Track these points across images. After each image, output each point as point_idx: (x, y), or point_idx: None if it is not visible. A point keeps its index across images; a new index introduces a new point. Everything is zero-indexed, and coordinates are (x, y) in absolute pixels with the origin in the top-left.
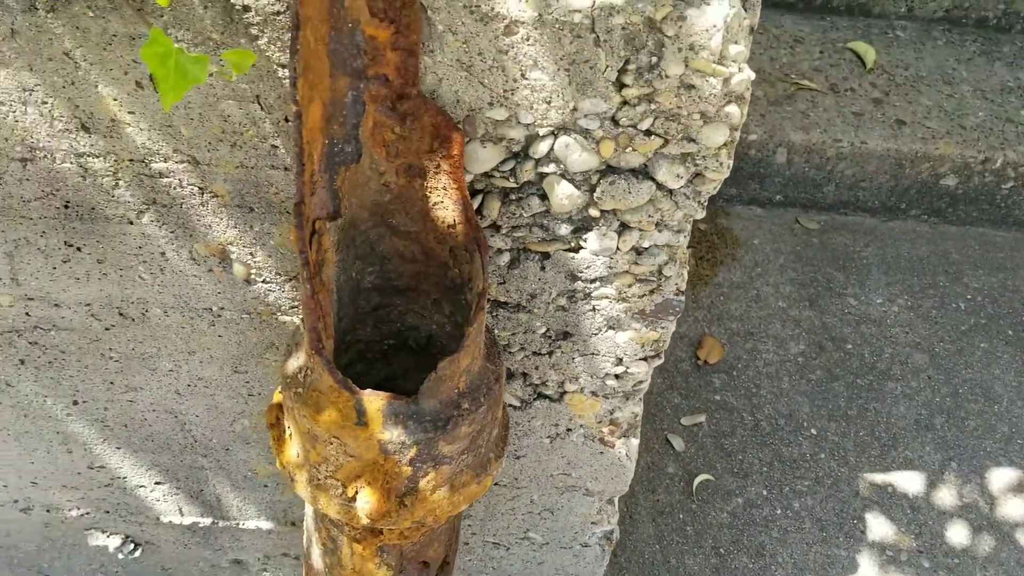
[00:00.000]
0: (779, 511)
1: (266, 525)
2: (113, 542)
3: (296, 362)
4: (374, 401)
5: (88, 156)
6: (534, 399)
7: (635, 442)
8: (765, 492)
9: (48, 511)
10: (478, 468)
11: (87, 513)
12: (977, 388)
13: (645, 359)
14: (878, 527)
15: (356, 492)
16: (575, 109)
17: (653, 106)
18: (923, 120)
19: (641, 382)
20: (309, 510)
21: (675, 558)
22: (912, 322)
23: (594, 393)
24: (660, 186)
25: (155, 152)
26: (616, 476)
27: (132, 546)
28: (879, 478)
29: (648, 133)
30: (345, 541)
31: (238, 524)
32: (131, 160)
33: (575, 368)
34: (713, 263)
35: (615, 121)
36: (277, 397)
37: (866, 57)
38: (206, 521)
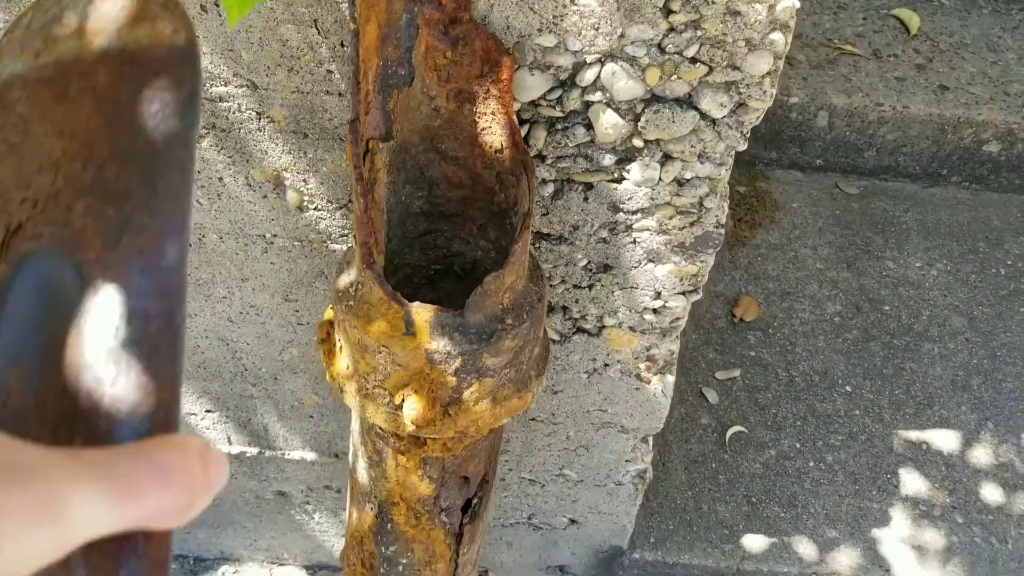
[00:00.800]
0: (812, 464)
1: (310, 456)
2: None
3: (348, 277)
4: (422, 312)
5: None
6: (573, 333)
7: (671, 379)
8: (798, 445)
9: None
10: (519, 383)
11: None
12: (1015, 351)
13: (683, 293)
14: (912, 482)
15: (403, 400)
16: (623, 36)
17: (699, 32)
18: (966, 86)
19: (679, 318)
20: (356, 426)
21: (707, 504)
22: (951, 286)
23: (632, 328)
24: (704, 116)
25: (216, 76)
26: (651, 413)
27: None
28: (914, 435)
29: (694, 60)
30: (390, 453)
31: (283, 455)
32: None
33: (614, 302)
34: (752, 225)
35: (661, 48)
36: (328, 315)
37: (910, 23)
38: (253, 451)
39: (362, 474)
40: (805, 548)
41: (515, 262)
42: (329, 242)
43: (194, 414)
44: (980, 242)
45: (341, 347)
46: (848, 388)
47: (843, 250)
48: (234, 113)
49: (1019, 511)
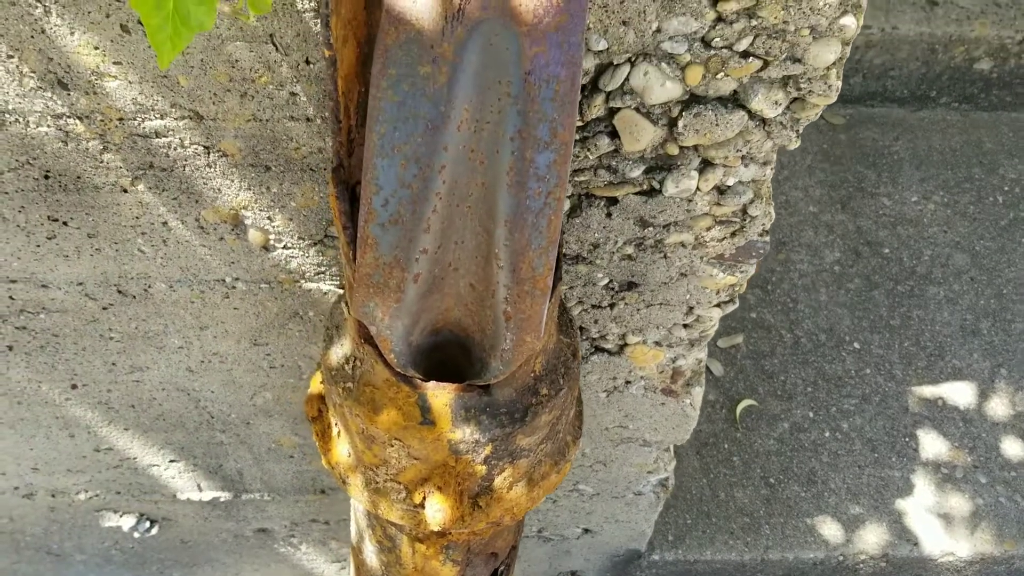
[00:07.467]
0: (827, 433)
1: (293, 495)
2: (127, 521)
3: (340, 350)
4: (440, 395)
5: (68, 117)
6: (591, 354)
7: (699, 390)
8: (811, 414)
9: (53, 496)
10: (557, 455)
11: (96, 495)
12: (1022, 287)
13: (719, 305)
14: (931, 444)
15: (424, 497)
16: (659, 30)
17: (754, 22)
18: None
19: (710, 328)
20: (358, 505)
21: (724, 491)
22: (950, 219)
23: (658, 343)
24: (752, 115)
25: (149, 108)
26: (678, 425)
27: (148, 524)
28: (928, 391)
29: (745, 55)
30: (406, 540)
31: (262, 496)
32: (120, 119)
33: (639, 320)
34: None
35: (706, 42)
36: (316, 386)
37: None
38: (227, 495)
39: (371, 557)
40: (829, 529)
41: (547, 319)
42: (303, 281)
43: (156, 465)
44: (975, 168)
45: (339, 432)
46: (856, 345)
47: (835, 189)
48: (175, 149)
49: None
